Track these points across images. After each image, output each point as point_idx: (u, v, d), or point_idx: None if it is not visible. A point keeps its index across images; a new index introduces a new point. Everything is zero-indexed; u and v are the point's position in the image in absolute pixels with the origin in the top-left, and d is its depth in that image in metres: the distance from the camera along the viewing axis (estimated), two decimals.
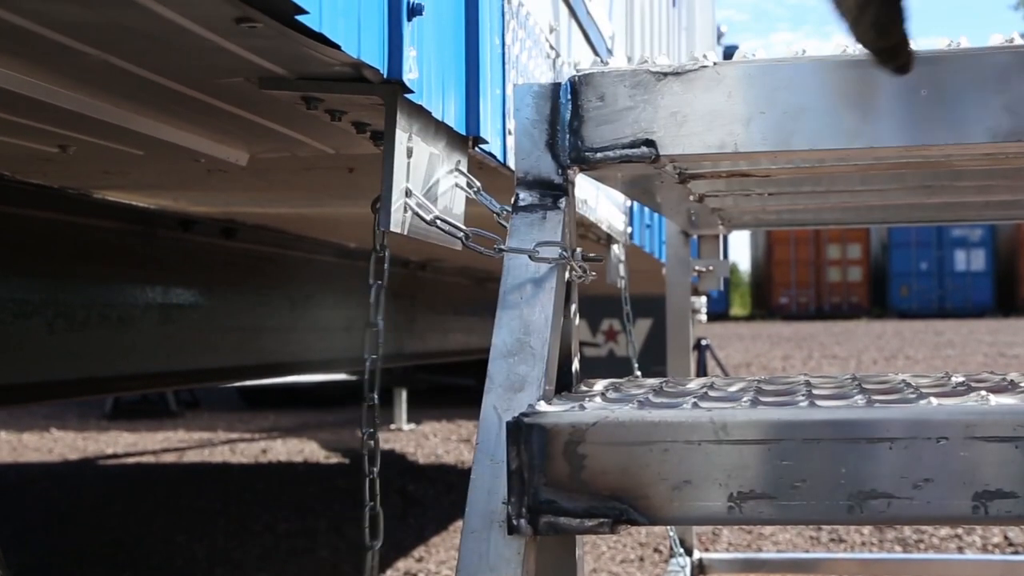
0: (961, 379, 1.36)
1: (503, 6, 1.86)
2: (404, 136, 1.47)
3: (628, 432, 1.06)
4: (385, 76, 1.39)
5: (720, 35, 6.67)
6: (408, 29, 1.42)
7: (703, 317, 3.96)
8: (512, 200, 1.31)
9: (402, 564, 4.68)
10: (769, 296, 35.00)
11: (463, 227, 1.46)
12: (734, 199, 2.11)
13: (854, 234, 32.36)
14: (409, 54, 1.42)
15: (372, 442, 1.41)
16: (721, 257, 3.18)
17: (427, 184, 1.56)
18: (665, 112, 1.26)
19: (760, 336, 23.36)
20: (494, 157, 1.85)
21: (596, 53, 2.68)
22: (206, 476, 7.16)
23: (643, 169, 1.35)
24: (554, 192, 1.30)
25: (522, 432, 1.07)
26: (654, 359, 5.73)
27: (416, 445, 8.17)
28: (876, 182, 1.92)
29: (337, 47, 1.25)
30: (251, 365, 3.73)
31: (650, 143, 1.26)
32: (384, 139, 1.46)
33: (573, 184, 1.32)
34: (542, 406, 1.13)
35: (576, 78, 1.28)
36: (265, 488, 6.59)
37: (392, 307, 4.62)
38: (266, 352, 3.80)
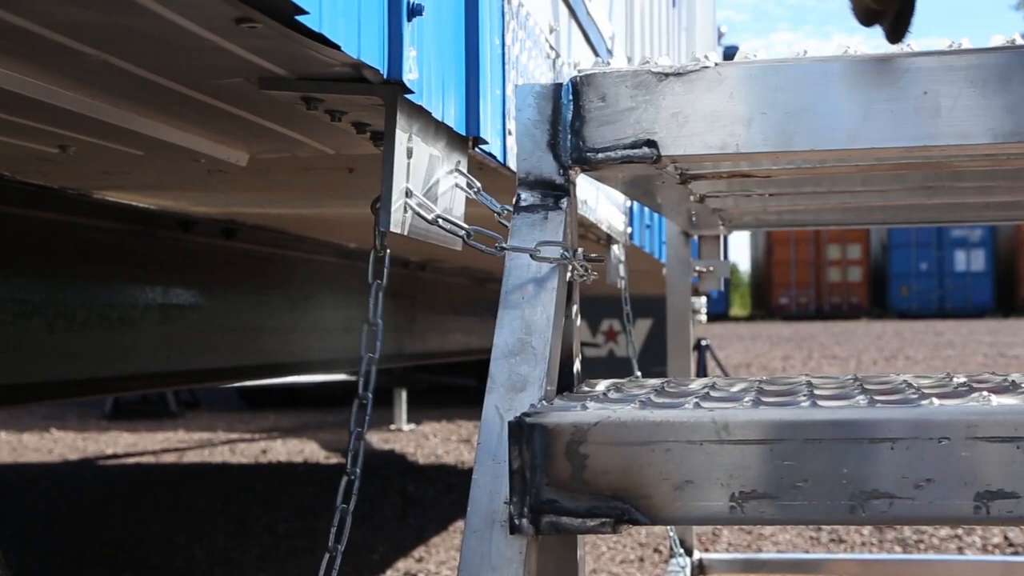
0: (963, 380, 1.36)
1: (503, 6, 1.86)
2: (404, 136, 1.47)
3: (630, 432, 1.06)
4: (385, 76, 1.39)
5: (720, 35, 6.67)
6: (408, 29, 1.42)
7: (703, 317, 3.95)
8: (514, 200, 1.31)
9: (402, 564, 4.67)
10: (769, 296, 35.00)
11: (465, 225, 1.46)
12: (735, 199, 2.11)
13: (854, 234, 32.37)
14: (409, 54, 1.42)
15: (359, 442, 1.40)
16: (721, 257, 3.18)
17: (427, 184, 1.56)
18: (667, 113, 1.25)
19: (760, 336, 23.36)
20: (494, 157, 1.85)
21: (596, 53, 2.68)
22: (206, 476, 7.16)
23: (644, 170, 1.35)
24: (556, 192, 1.29)
25: (524, 432, 1.07)
26: (654, 359, 5.72)
27: (416, 445, 8.17)
28: (877, 183, 1.92)
29: (337, 47, 1.25)
30: (251, 365, 3.73)
31: (652, 144, 1.26)
32: (384, 139, 1.45)
33: (575, 184, 1.32)
34: (544, 406, 1.13)
35: (578, 78, 1.28)
36: (265, 488, 6.59)
37: (392, 307, 4.61)
38: (266, 352, 3.80)
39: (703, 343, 8.71)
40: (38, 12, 1.16)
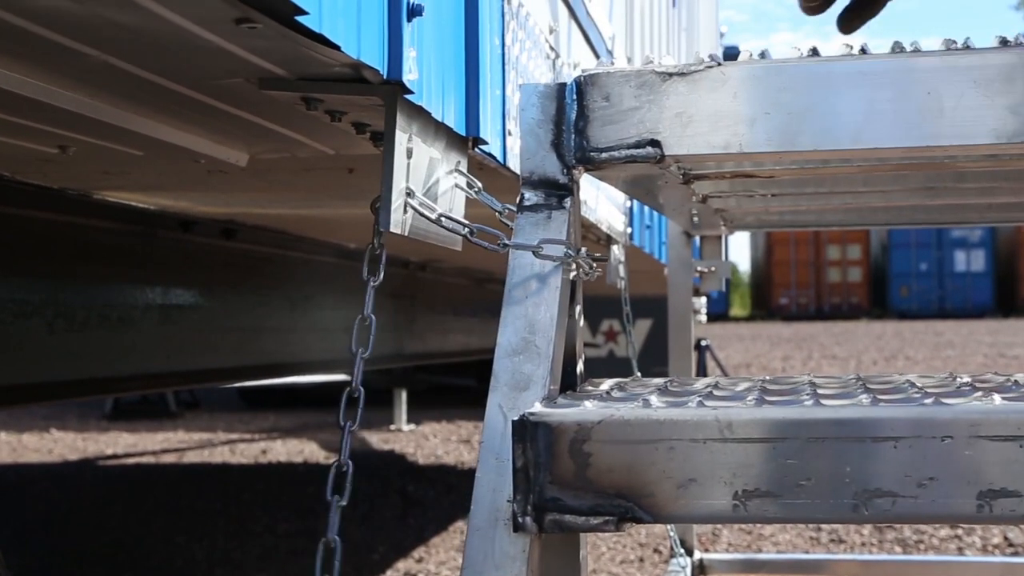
0: (966, 380, 1.36)
1: (503, 7, 1.86)
2: (404, 137, 1.47)
3: (633, 430, 1.06)
4: (385, 77, 1.39)
5: (720, 36, 6.67)
6: (408, 30, 1.42)
7: (703, 318, 3.96)
8: (517, 200, 1.31)
9: (402, 564, 4.67)
10: (769, 297, 35.03)
11: (467, 223, 1.46)
12: (737, 200, 2.11)
13: (854, 235, 32.39)
14: (409, 55, 1.42)
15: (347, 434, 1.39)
16: (723, 258, 3.18)
17: (427, 185, 1.56)
18: (670, 112, 1.25)
19: (760, 337, 23.37)
20: (494, 158, 1.84)
21: (596, 54, 2.68)
22: (206, 477, 7.16)
23: (647, 169, 1.35)
24: (559, 192, 1.29)
25: (527, 430, 1.07)
26: (654, 360, 5.73)
27: (416, 446, 8.17)
28: (879, 183, 1.92)
29: (337, 48, 1.25)
30: (251, 366, 3.73)
31: (655, 143, 1.26)
32: (384, 140, 1.45)
33: (578, 184, 1.32)
34: (547, 404, 1.13)
35: (582, 78, 1.28)
36: (265, 489, 6.59)
37: (392, 307, 4.61)
38: (266, 353, 3.80)
39: (703, 343, 8.72)
40: (38, 12, 1.16)
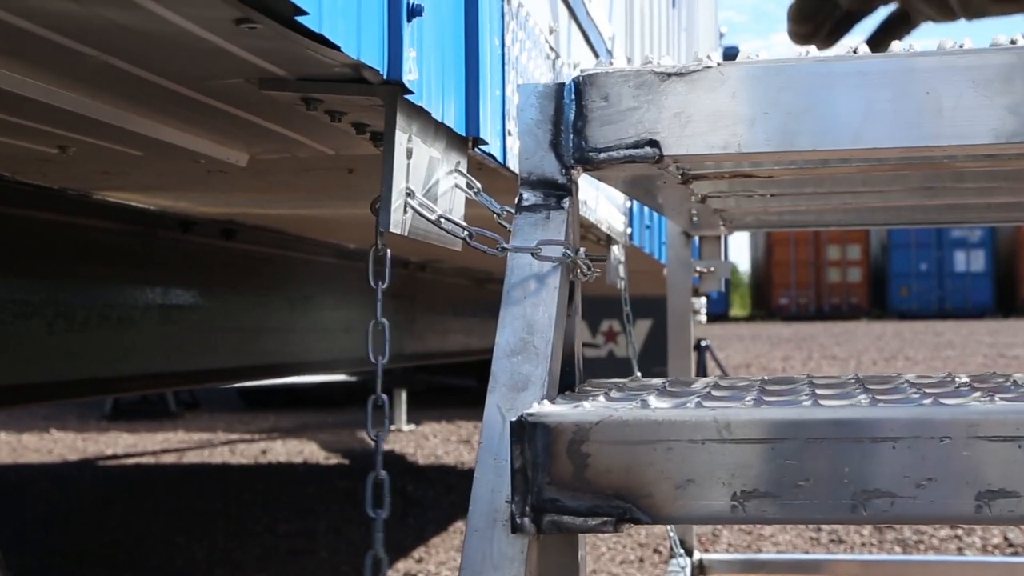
0: (965, 380, 1.36)
1: (503, 7, 1.86)
2: (404, 137, 1.47)
3: (632, 431, 1.06)
4: (385, 77, 1.39)
5: (720, 36, 6.67)
6: (408, 30, 1.42)
7: (703, 318, 3.95)
8: (516, 200, 1.31)
9: (402, 565, 4.67)
10: (769, 297, 35.03)
11: (466, 226, 1.46)
12: (736, 200, 2.11)
13: (854, 235, 32.40)
14: (409, 55, 1.42)
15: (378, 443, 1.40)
16: (722, 258, 3.18)
17: (427, 185, 1.56)
18: (669, 112, 1.25)
19: (760, 337, 23.37)
20: (494, 158, 1.85)
21: (596, 54, 2.68)
22: (206, 477, 7.16)
23: (646, 169, 1.35)
24: (558, 192, 1.29)
25: (526, 431, 1.07)
26: (654, 360, 5.73)
27: (416, 446, 8.17)
28: (878, 184, 1.92)
29: (337, 48, 1.25)
30: (251, 366, 3.74)
31: (654, 143, 1.26)
32: (384, 140, 1.45)
33: (577, 184, 1.32)
34: (546, 405, 1.13)
35: (580, 78, 1.27)
36: (265, 489, 6.58)
37: (392, 307, 4.62)
38: (266, 353, 3.80)
39: (703, 343, 8.73)
40: (38, 12, 1.16)
